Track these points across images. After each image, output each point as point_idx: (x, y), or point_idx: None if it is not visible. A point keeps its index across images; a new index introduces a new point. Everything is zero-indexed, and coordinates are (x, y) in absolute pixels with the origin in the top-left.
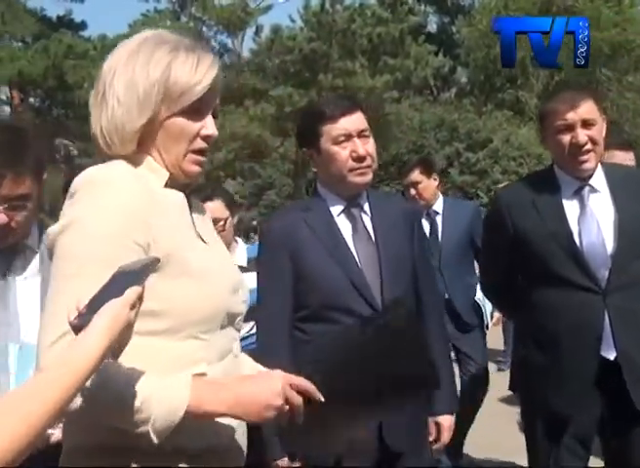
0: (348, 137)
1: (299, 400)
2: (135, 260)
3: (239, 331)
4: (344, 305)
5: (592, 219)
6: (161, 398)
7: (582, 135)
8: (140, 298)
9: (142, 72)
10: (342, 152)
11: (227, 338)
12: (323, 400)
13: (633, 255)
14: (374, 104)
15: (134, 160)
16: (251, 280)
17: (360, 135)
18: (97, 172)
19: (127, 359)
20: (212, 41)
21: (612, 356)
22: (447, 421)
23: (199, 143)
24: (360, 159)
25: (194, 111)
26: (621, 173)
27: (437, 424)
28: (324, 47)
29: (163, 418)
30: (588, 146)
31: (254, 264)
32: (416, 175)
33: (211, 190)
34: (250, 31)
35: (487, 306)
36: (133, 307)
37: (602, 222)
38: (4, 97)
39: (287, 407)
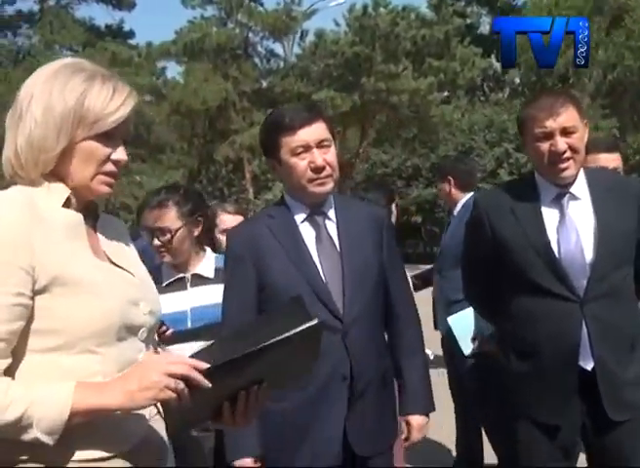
0: (307, 148)
1: (183, 368)
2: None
3: (148, 341)
4: None
5: (571, 228)
6: (44, 400)
7: (562, 143)
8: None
9: (59, 97)
10: (301, 163)
11: (129, 350)
12: (206, 366)
13: (613, 265)
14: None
15: (35, 182)
16: (216, 293)
17: (319, 145)
18: None
19: (24, 375)
20: (258, 46)
21: (589, 366)
22: (417, 421)
23: (109, 167)
24: (318, 170)
25: (107, 137)
26: (605, 179)
27: (407, 423)
28: (367, 50)
29: (49, 418)
30: (567, 154)
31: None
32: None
33: (164, 195)
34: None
35: None
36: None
37: (581, 231)
38: None
39: (173, 381)
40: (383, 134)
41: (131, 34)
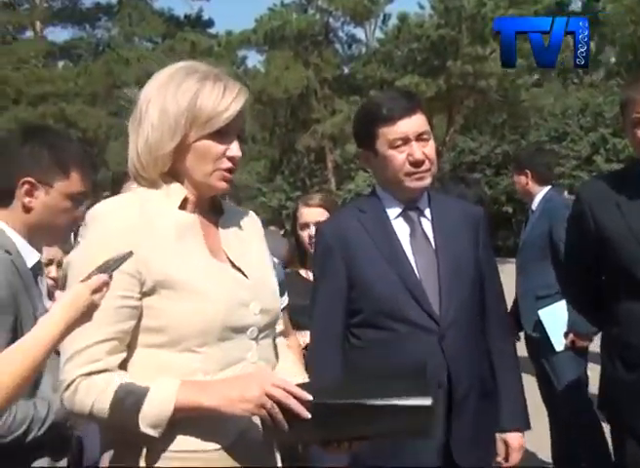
0: (406, 141)
1: (282, 395)
2: (114, 257)
3: (260, 338)
4: (400, 313)
5: None
6: (150, 396)
7: None
8: (107, 284)
9: (173, 99)
10: (399, 156)
11: (234, 349)
12: (309, 398)
13: None
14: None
15: (155, 183)
16: None
17: (419, 138)
18: (96, 207)
19: (135, 368)
20: (339, 32)
21: None
22: (516, 440)
23: (225, 163)
24: (417, 163)
25: (220, 134)
26: None
27: (505, 443)
28: (453, 33)
29: (154, 413)
30: None
31: None
32: (519, 180)
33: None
34: (378, 21)
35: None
36: (96, 292)
37: None
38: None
39: (269, 402)
40: (471, 120)
41: (210, 23)
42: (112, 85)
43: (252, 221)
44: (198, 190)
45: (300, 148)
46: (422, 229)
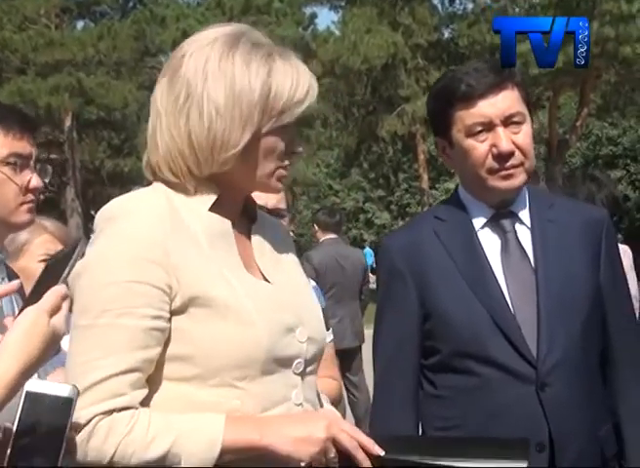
0: (489, 126)
1: (351, 443)
2: (57, 256)
3: (306, 374)
4: (486, 354)
5: None
6: (191, 434)
7: None
8: (66, 298)
9: (244, 81)
10: (479, 147)
11: (278, 386)
12: (380, 453)
13: None
14: None
15: (176, 186)
16: None
17: (507, 121)
18: (117, 205)
19: (158, 407)
20: None
21: None
22: None
23: (286, 161)
24: (503, 156)
25: (286, 128)
26: None
27: None
28: None
29: (199, 455)
30: None
31: None
32: None
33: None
34: None
35: None
36: (55, 312)
37: None
38: None
39: (333, 449)
40: (611, 99)
41: None
42: (144, 51)
43: (284, 232)
44: (240, 190)
45: (383, 134)
46: (518, 242)
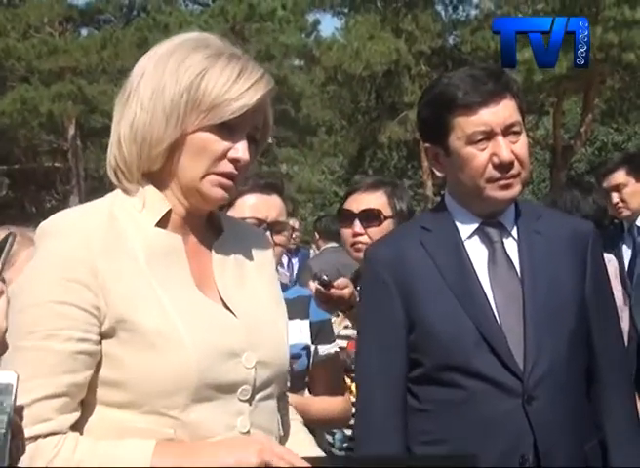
0: (490, 135)
1: (280, 464)
2: None
3: (254, 400)
4: (469, 365)
5: None
6: (117, 460)
7: None
8: (1, 292)
9: (172, 76)
10: (480, 155)
11: (218, 414)
12: None
13: None
14: None
15: (131, 188)
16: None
17: (507, 131)
18: (51, 222)
19: (89, 433)
20: None
21: None
22: None
23: (224, 165)
24: (504, 166)
25: (227, 129)
26: None
27: None
28: None
29: None
30: None
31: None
32: (619, 175)
33: None
34: None
35: None
36: None
37: None
38: None
39: None
40: (616, 105)
41: None
42: None
43: (261, 245)
44: (188, 198)
45: (386, 141)
46: (505, 253)
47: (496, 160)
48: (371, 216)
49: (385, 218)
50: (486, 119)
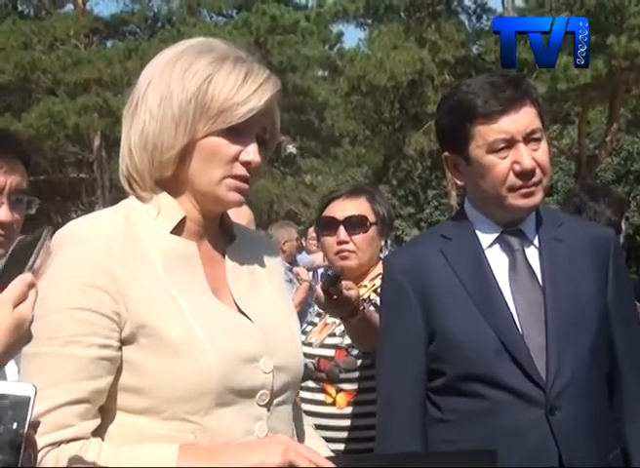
0: (511, 143)
1: (306, 465)
2: (23, 241)
3: (273, 405)
4: (491, 375)
5: None
6: (142, 463)
7: None
8: (33, 286)
9: (179, 83)
10: (501, 163)
11: (238, 419)
12: None
13: None
14: None
15: (145, 195)
16: None
17: (528, 138)
18: (69, 230)
19: (111, 437)
20: (465, 0)
21: None
22: None
23: (238, 169)
24: (526, 174)
25: (236, 132)
26: None
27: None
28: (616, 0)
29: None
30: None
31: None
32: None
33: None
34: None
35: None
36: (21, 300)
37: None
38: None
39: None
40: None
41: None
42: None
43: (269, 251)
44: (203, 206)
45: (410, 151)
46: (527, 261)
47: (517, 168)
48: (356, 223)
49: (370, 225)
50: (507, 127)
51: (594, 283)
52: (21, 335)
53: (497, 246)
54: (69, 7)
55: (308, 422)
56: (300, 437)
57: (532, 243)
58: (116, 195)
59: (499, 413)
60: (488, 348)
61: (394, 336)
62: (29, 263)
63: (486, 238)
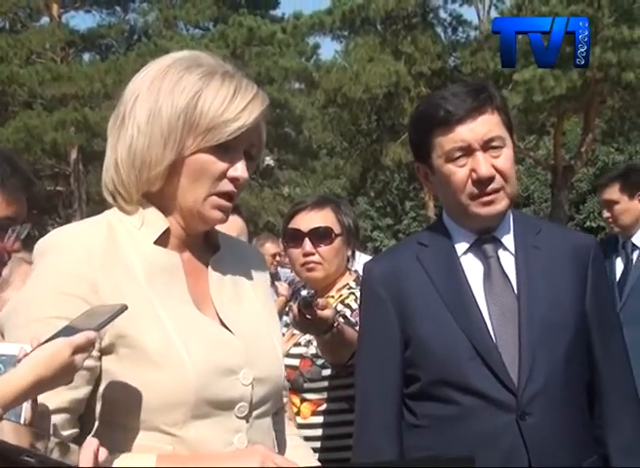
0: (468, 152)
1: None
2: (102, 305)
3: (252, 417)
4: (464, 381)
5: None
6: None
7: None
8: (92, 344)
9: (167, 98)
10: (459, 172)
11: (216, 430)
12: None
13: None
14: None
15: (130, 208)
16: None
17: (486, 146)
18: (50, 239)
19: None
20: (441, 12)
21: None
22: None
23: (225, 185)
24: (483, 181)
25: (224, 149)
26: None
27: None
28: (590, 10)
29: None
30: None
31: None
32: (613, 191)
33: None
34: None
35: None
36: (78, 351)
37: None
38: None
39: None
40: (616, 124)
41: (274, 4)
42: None
43: (254, 261)
44: (187, 222)
45: (388, 162)
46: (501, 268)
47: (474, 176)
48: (321, 235)
49: (336, 236)
50: (463, 135)
51: (572, 290)
52: (63, 379)
53: (471, 253)
54: (45, 20)
55: (294, 431)
56: (282, 447)
57: (507, 249)
58: (94, 208)
59: (471, 419)
60: (460, 354)
61: (372, 345)
62: (99, 322)
63: (461, 245)
